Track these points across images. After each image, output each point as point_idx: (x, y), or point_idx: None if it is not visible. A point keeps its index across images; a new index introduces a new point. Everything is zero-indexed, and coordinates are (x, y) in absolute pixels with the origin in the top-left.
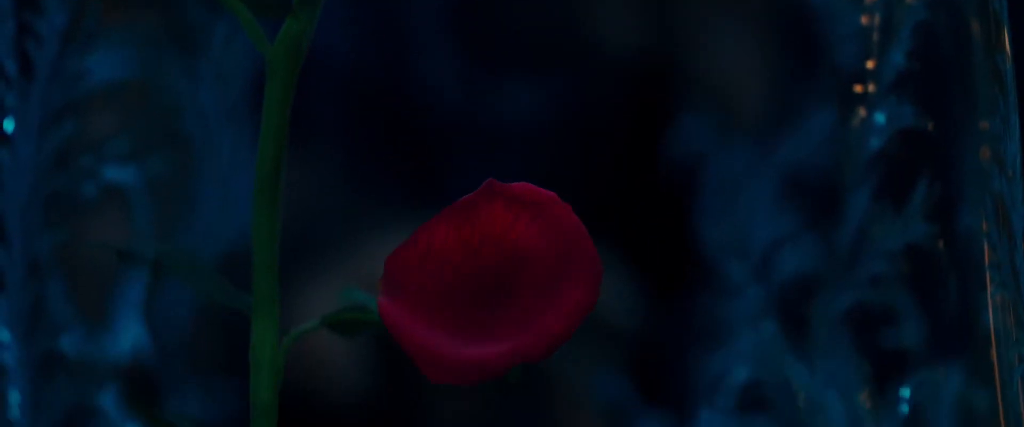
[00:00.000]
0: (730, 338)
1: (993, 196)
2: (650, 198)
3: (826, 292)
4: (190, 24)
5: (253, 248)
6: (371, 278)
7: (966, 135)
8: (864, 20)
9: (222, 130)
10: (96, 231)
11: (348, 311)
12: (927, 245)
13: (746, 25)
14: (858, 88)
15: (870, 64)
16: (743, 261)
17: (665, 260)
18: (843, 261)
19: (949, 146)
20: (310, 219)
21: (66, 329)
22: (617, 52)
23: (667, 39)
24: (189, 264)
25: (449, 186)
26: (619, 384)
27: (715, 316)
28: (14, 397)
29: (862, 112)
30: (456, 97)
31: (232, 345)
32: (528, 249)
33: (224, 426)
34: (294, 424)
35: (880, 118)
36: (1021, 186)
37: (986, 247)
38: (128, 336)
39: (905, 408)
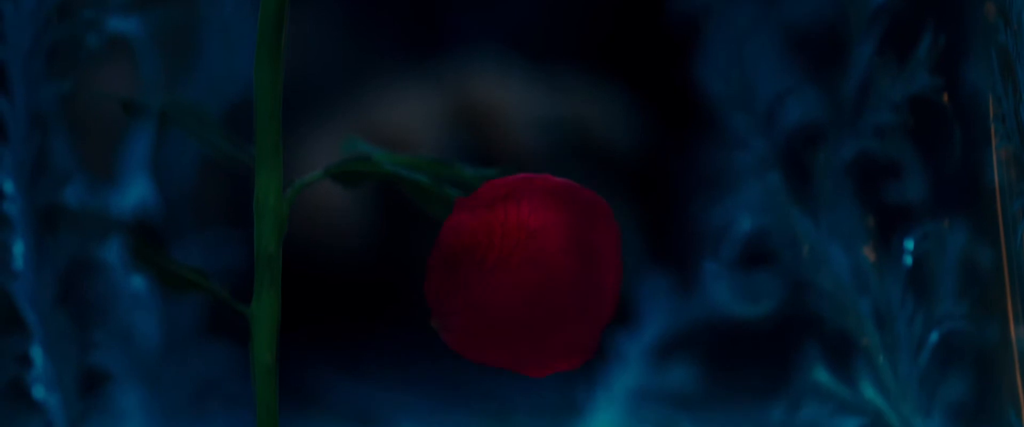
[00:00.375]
0: (734, 190)
1: (998, 49)
2: (655, 50)
3: (830, 143)
4: None
5: (255, 99)
6: (373, 128)
7: None
8: None
9: None
10: (99, 82)
11: (351, 161)
12: (931, 97)
13: None
14: None
15: None
16: (748, 113)
17: (669, 113)
18: (848, 113)
19: None
20: (313, 70)
21: (70, 181)
22: None
23: None
24: (194, 115)
25: (450, 35)
26: (623, 236)
27: (719, 167)
28: (18, 248)
29: None
30: None
31: (236, 197)
32: (535, 222)
33: (229, 277)
34: (298, 274)
35: None
36: None
37: (990, 100)
38: (133, 188)
39: (909, 260)
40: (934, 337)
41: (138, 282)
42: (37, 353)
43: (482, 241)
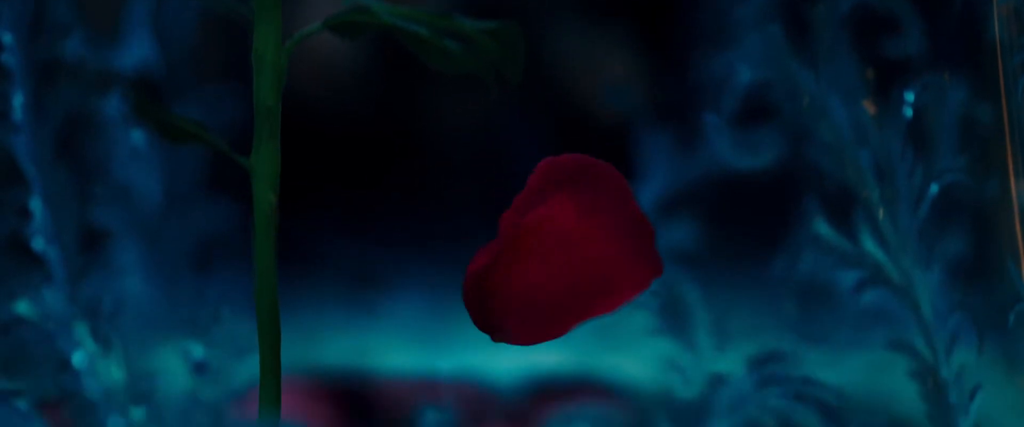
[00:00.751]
0: (734, 42)
1: None
2: None
3: None
4: None
5: None
6: None
7: None
8: None
9: None
10: None
11: (349, 13)
12: None
13: None
14: None
15: None
16: None
17: None
18: None
19: None
20: None
21: (69, 35)
22: None
23: None
24: None
25: None
26: (625, 91)
27: (719, 19)
28: (17, 99)
29: None
30: None
31: (236, 50)
32: (553, 206)
33: (229, 130)
34: (297, 127)
35: None
36: None
37: None
38: (133, 42)
39: (909, 112)
40: (934, 189)
41: (138, 136)
42: (36, 205)
43: (495, 256)
